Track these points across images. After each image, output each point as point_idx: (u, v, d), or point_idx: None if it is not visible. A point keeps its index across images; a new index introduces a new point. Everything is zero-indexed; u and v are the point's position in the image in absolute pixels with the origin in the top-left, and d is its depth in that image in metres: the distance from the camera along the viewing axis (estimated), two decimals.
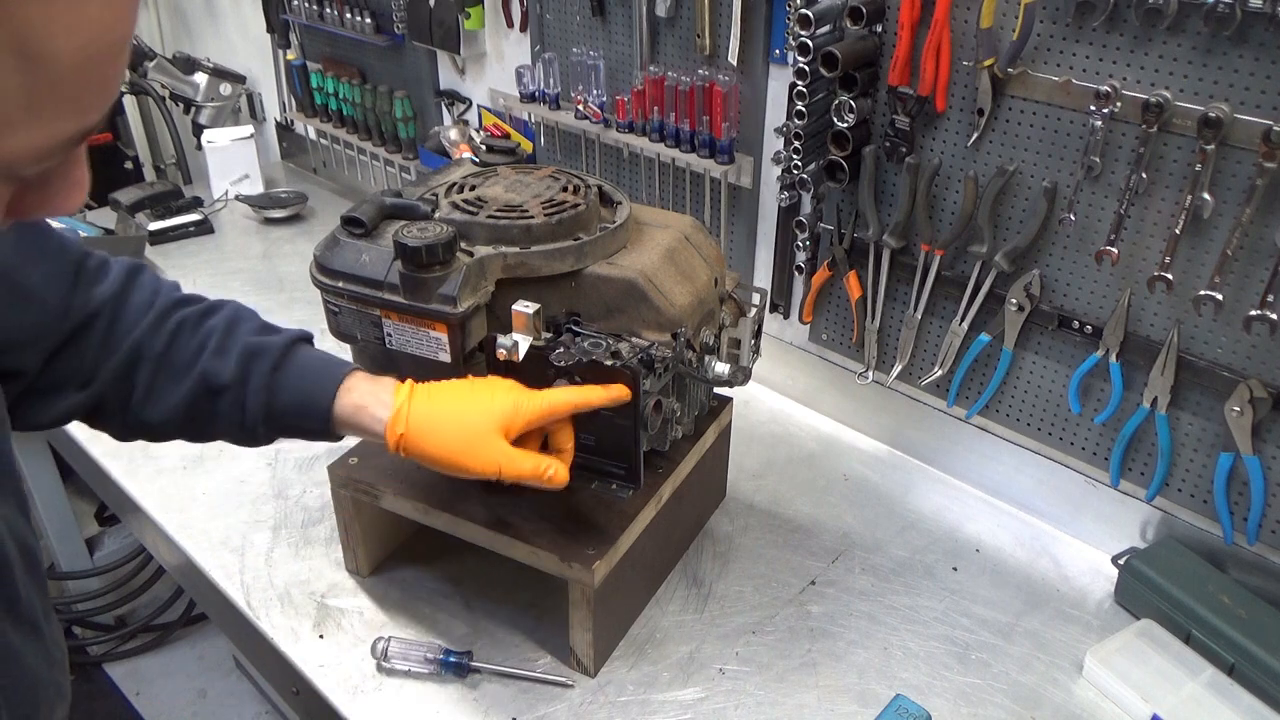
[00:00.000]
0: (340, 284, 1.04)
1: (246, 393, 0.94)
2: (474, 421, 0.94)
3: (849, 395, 1.60)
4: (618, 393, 0.99)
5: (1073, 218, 1.22)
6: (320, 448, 1.53)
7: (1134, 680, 1.12)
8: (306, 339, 1.02)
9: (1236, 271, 1.13)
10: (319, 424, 0.96)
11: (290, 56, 2.42)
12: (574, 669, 1.14)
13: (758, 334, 1.24)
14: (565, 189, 1.11)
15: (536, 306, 1.00)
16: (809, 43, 1.32)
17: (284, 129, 2.66)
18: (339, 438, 0.99)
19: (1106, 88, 1.14)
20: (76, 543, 2.49)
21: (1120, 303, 1.24)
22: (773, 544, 1.36)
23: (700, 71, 1.55)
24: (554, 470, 0.96)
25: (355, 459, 1.23)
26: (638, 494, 1.07)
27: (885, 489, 1.49)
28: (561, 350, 1.00)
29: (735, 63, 1.50)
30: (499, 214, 1.05)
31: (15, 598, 0.76)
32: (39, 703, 0.77)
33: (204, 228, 2.28)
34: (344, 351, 1.16)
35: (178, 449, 1.53)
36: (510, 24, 1.90)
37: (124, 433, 0.98)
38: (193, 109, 2.64)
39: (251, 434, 0.97)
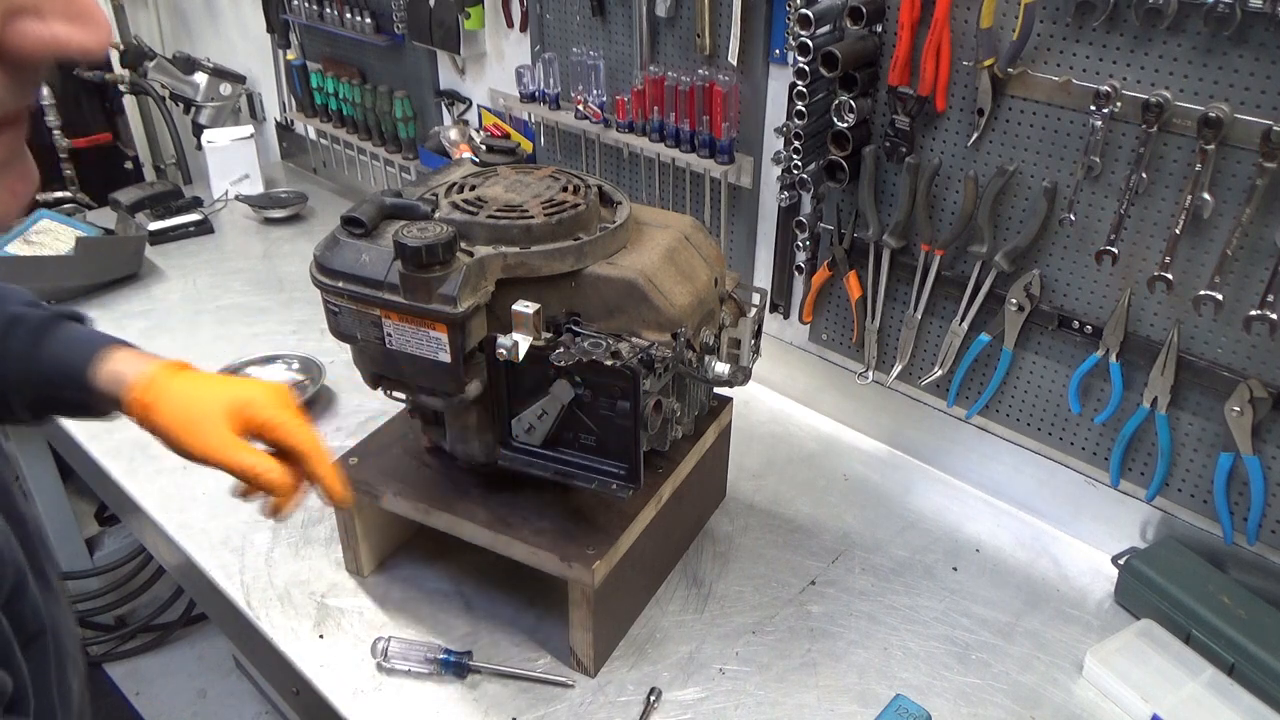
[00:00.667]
0: (340, 284, 1.04)
1: (3, 358, 0.91)
2: (204, 401, 0.92)
3: (849, 395, 1.60)
4: (333, 482, 0.97)
5: (1073, 218, 1.22)
6: None
7: (1134, 680, 1.12)
8: (78, 318, 0.99)
9: (1236, 271, 1.13)
10: (77, 392, 0.92)
11: (290, 56, 2.42)
12: (574, 669, 1.14)
13: (758, 334, 1.24)
14: (565, 189, 1.11)
15: (536, 306, 1.00)
16: (809, 43, 1.32)
17: (284, 129, 2.66)
18: (105, 413, 0.95)
19: (1106, 88, 1.14)
20: (76, 543, 2.49)
21: (1120, 303, 1.24)
22: (773, 544, 1.36)
23: (700, 71, 1.55)
24: (271, 472, 0.92)
25: (355, 459, 1.23)
26: (638, 494, 1.07)
27: (885, 489, 1.49)
28: (561, 350, 1.00)
29: (735, 63, 1.50)
30: (499, 214, 1.05)
31: (46, 571, 0.77)
32: (75, 673, 0.79)
33: (204, 228, 2.28)
34: (344, 352, 1.16)
35: None
36: (510, 24, 1.90)
37: None
38: (193, 109, 2.64)
39: (7, 405, 0.93)
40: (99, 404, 0.93)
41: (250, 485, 0.94)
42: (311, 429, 0.96)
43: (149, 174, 3.08)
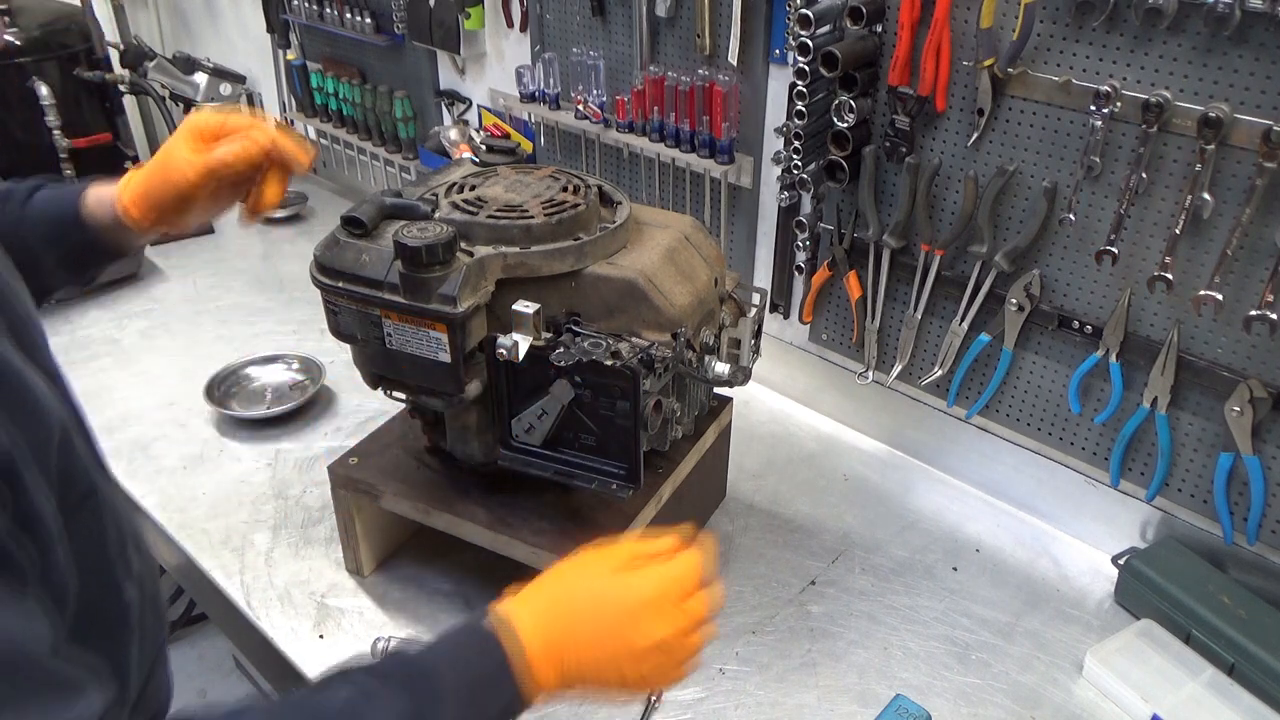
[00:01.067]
0: (340, 284, 1.04)
1: (18, 227, 1.00)
2: (166, 149, 1.03)
3: (849, 395, 1.60)
4: (288, 141, 1.07)
5: (1073, 218, 1.22)
6: (319, 447, 1.53)
7: (1134, 680, 1.12)
8: (53, 183, 1.08)
9: (1236, 271, 1.13)
10: (80, 232, 1.02)
11: (290, 56, 2.42)
12: None
13: (758, 334, 1.24)
14: (565, 189, 1.11)
15: (536, 306, 1.00)
16: (809, 43, 1.32)
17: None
18: (115, 243, 1.04)
19: (1106, 88, 1.14)
20: None
21: (1120, 303, 1.24)
22: (773, 544, 1.36)
23: (700, 71, 1.55)
24: (235, 151, 1.02)
25: (355, 459, 1.23)
26: (638, 494, 1.07)
27: (885, 489, 1.49)
28: (561, 350, 1.00)
29: (735, 63, 1.50)
30: (499, 214, 1.05)
31: (105, 466, 0.82)
32: (135, 551, 0.85)
33: (204, 228, 2.28)
34: (344, 352, 1.16)
35: (177, 449, 1.53)
36: (510, 24, 1.90)
37: None
38: (193, 109, 2.64)
39: (44, 271, 1.01)
40: (103, 236, 1.02)
41: (245, 183, 1.06)
42: (248, 116, 1.07)
43: None
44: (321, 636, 1.19)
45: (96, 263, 1.07)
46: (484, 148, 1.26)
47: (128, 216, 1.01)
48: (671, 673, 0.81)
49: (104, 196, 1.02)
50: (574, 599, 0.80)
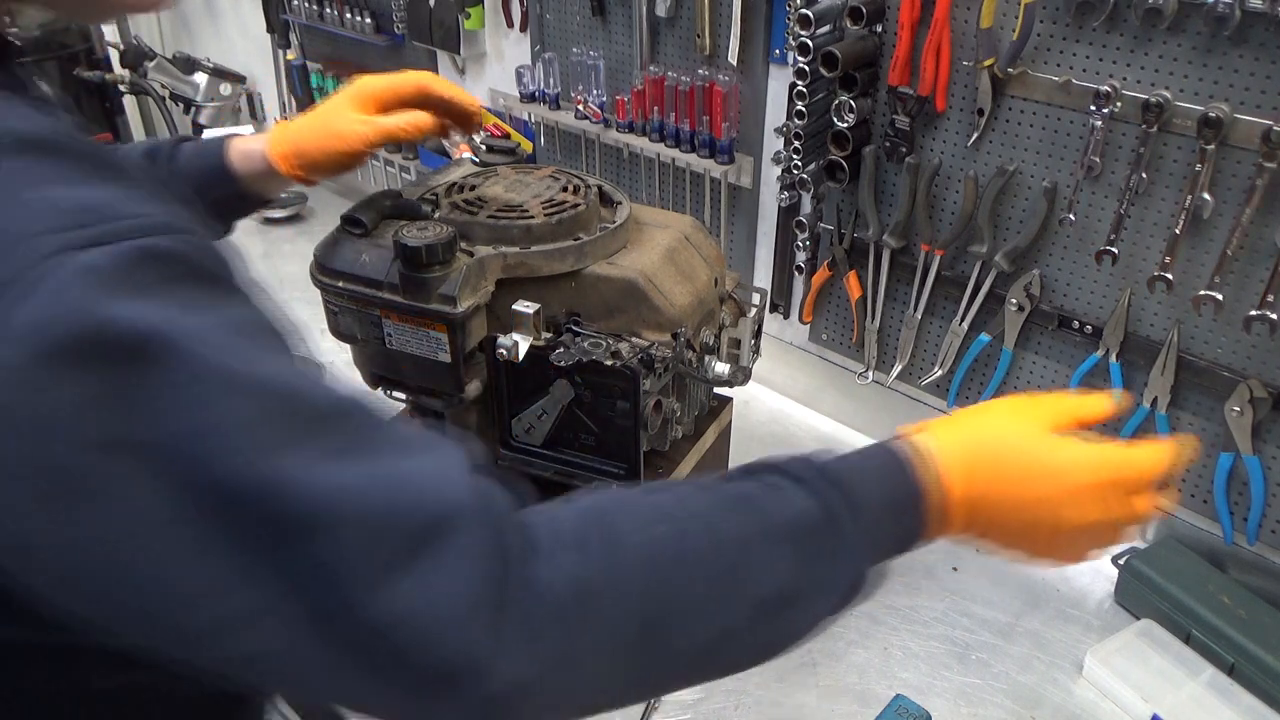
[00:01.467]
0: (340, 284, 1.04)
1: (168, 183, 1.03)
2: (331, 109, 1.05)
3: (849, 395, 1.60)
4: (458, 92, 1.08)
5: (1073, 218, 1.22)
6: None
7: (1134, 680, 1.12)
8: (190, 138, 1.12)
9: (1236, 271, 1.13)
10: (226, 185, 1.05)
11: (290, 56, 2.42)
12: None
13: (758, 334, 1.24)
14: (565, 189, 1.11)
15: (536, 306, 1.00)
16: (809, 43, 1.32)
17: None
18: (257, 194, 1.08)
19: (1106, 88, 1.14)
20: None
21: (1120, 303, 1.24)
22: None
23: (700, 71, 1.55)
24: (415, 118, 1.04)
25: None
26: None
27: None
28: (561, 350, 1.00)
29: (735, 63, 1.50)
30: (499, 214, 1.05)
31: None
32: None
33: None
34: (344, 352, 1.16)
35: None
36: (510, 24, 1.90)
37: None
38: (193, 109, 2.63)
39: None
40: (249, 185, 1.06)
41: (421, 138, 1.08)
42: (415, 73, 1.08)
43: None
44: None
45: (240, 212, 1.12)
46: (484, 148, 1.26)
47: (284, 170, 1.05)
48: (1080, 554, 0.75)
49: (248, 150, 1.06)
50: (1006, 450, 0.72)
